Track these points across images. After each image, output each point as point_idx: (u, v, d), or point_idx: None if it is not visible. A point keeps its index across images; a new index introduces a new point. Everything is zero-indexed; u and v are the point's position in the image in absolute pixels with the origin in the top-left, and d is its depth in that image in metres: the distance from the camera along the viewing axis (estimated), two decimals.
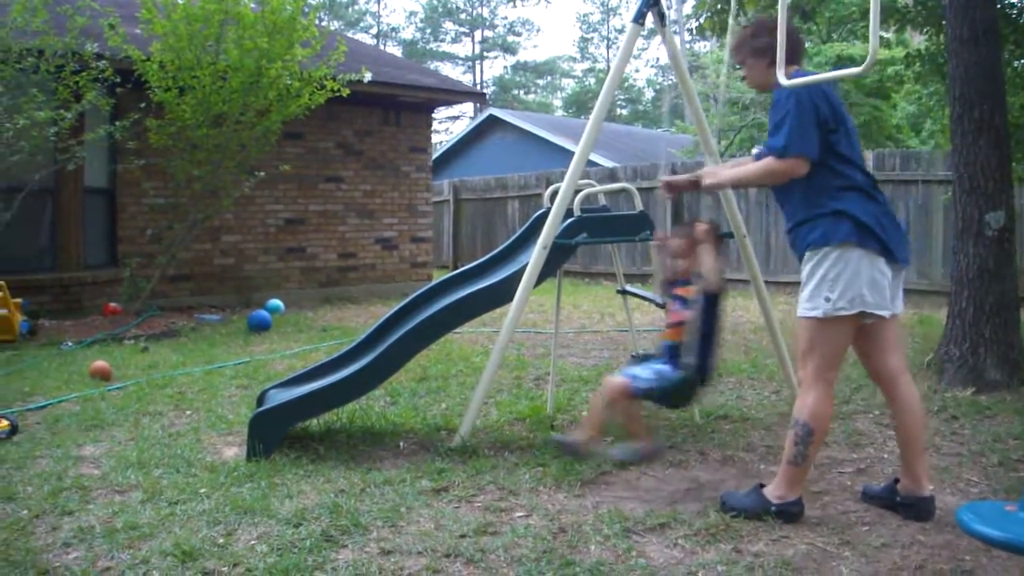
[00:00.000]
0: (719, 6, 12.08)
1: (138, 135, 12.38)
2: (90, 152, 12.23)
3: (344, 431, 6.14)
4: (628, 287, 6.81)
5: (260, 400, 6.22)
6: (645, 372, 5.24)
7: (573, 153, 5.73)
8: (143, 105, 12.05)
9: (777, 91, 4.38)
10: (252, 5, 12.08)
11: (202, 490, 4.89)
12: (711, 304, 5.05)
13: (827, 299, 4.23)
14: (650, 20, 6.02)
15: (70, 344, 10.09)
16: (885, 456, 5.52)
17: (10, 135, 10.62)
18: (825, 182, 4.32)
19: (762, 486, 4.49)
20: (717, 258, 5.07)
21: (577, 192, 6.04)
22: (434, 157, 22.04)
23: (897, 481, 4.53)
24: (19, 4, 10.80)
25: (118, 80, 11.67)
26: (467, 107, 59.93)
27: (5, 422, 6.15)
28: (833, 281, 4.22)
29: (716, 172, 4.94)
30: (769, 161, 4.42)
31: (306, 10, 12.46)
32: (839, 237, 4.23)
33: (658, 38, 47.05)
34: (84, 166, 12.24)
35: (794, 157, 4.30)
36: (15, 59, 10.73)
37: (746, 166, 4.74)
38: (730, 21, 12.62)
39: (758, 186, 4.54)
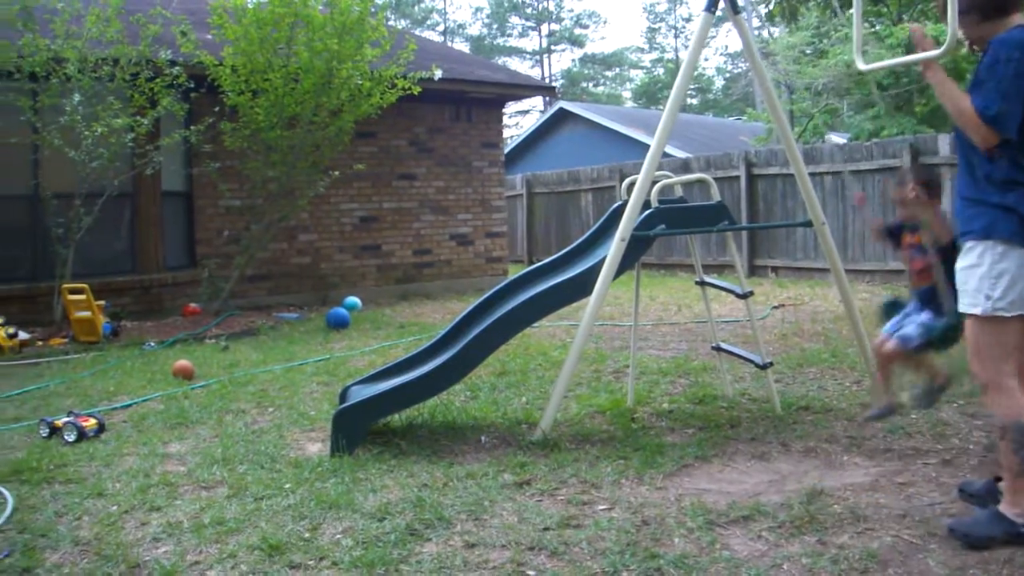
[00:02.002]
0: None
1: (213, 138, 12.58)
2: (167, 156, 12.45)
3: (426, 426, 6.19)
4: (707, 278, 6.77)
5: (342, 397, 6.29)
6: (911, 329, 5.08)
7: (645, 145, 5.70)
8: (217, 109, 12.26)
9: (998, 47, 3.92)
10: (320, 7, 12.18)
11: (287, 485, 4.95)
12: (946, 253, 4.80)
13: (987, 297, 3.95)
14: (721, 7, 5.95)
15: (152, 344, 10.26)
16: (970, 447, 5.42)
17: (89, 142, 10.85)
18: (1001, 171, 3.95)
19: (996, 503, 4.16)
20: (937, 212, 4.93)
21: (654, 183, 6.01)
22: (505, 152, 22.05)
23: (998, 479, 4.32)
24: (93, 15, 11.01)
25: (192, 85, 11.87)
26: (536, 101, 59.86)
27: (93, 420, 6.27)
28: (996, 280, 3.93)
29: (941, 72, 4.11)
30: (973, 112, 3.92)
31: (374, 10, 12.54)
32: (1003, 233, 3.91)
33: (727, 25, 46.23)
34: (161, 170, 12.44)
35: (990, 123, 3.87)
36: (91, 69, 10.97)
37: (962, 94, 4.06)
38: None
39: (945, 107, 4.05)
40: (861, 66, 4.23)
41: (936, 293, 4.95)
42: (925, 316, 5.05)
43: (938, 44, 4.00)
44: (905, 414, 5.97)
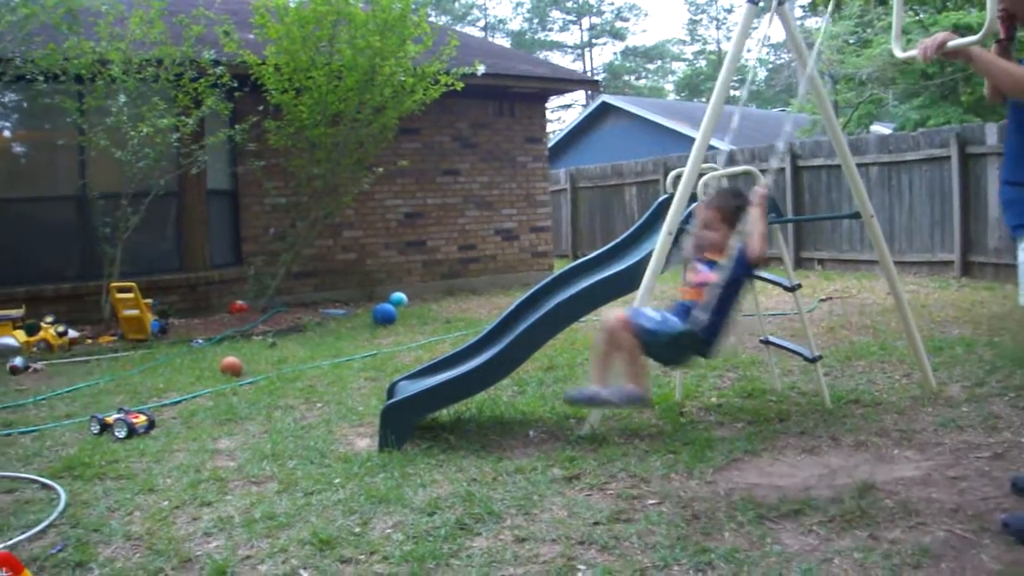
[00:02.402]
0: None
1: (257, 137, 12.66)
2: (212, 155, 12.54)
3: (474, 421, 6.20)
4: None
5: (390, 392, 6.31)
6: (651, 312, 4.88)
7: (688, 137, 5.66)
8: (261, 107, 12.34)
9: None
10: (362, 5, 12.22)
11: (336, 480, 4.98)
12: (744, 270, 4.75)
13: None
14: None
15: (200, 341, 10.35)
16: (1023, 440, 5.34)
17: (135, 143, 10.97)
18: None
19: None
20: (765, 226, 4.74)
21: (700, 176, 5.97)
22: (548, 146, 22.03)
23: None
24: (136, 17, 11.11)
25: (235, 85, 11.98)
26: (578, 95, 59.84)
27: (143, 417, 6.34)
28: None
29: (984, 53, 3.90)
30: None
31: (415, 7, 12.55)
32: None
33: (769, 15, 45.71)
34: (206, 169, 12.56)
35: None
36: (136, 70, 11.09)
37: (1007, 61, 3.90)
38: None
39: (1001, 85, 3.73)
40: (899, 53, 4.16)
41: (691, 310, 4.77)
42: (671, 315, 4.86)
43: (973, 31, 3.91)
44: (950, 408, 5.93)
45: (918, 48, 3.94)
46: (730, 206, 4.94)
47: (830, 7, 12.23)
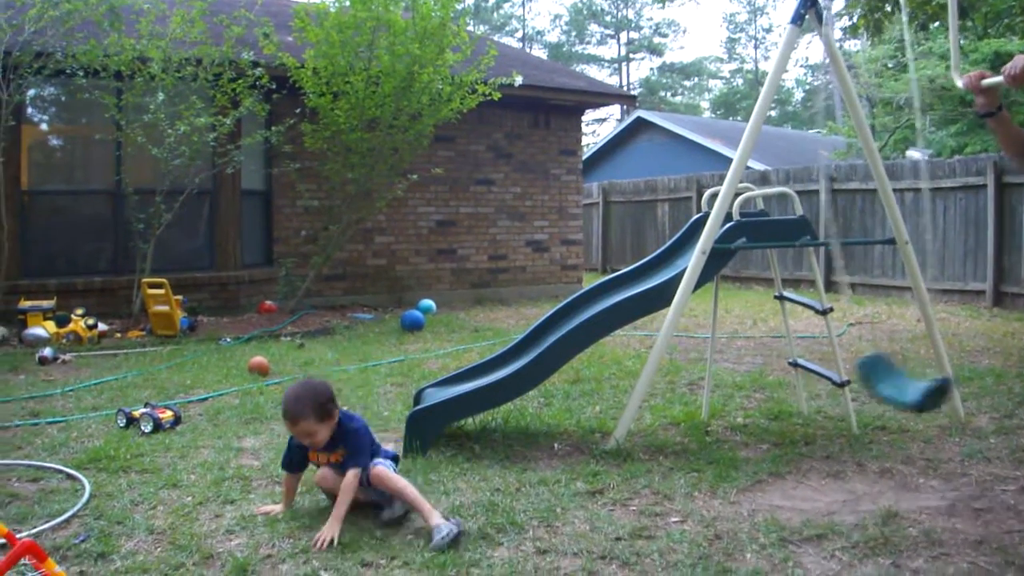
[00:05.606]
0: (873, 3, 11.87)
1: (293, 139, 12.74)
2: (247, 156, 12.63)
3: (499, 431, 6.18)
4: (786, 293, 6.69)
5: (417, 399, 6.31)
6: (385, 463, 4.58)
7: (722, 156, 5.65)
8: (298, 110, 12.42)
9: None
10: (402, 12, 12.27)
11: None
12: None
13: None
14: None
15: (228, 340, 10.39)
16: None
17: (172, 140, 11.05)
18: None
19: None
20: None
21: (736, 196, 5.95)
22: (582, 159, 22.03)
23: None
24: (178, 16, 11.21)
25: (273, 87, 12.05)
26: (613, 109, 59.70)
27: (169, 412, 6.37)
28: None
29: None
30: None
31: (455, 16, 12.59)
32: None
33: (807, 37, 45.59)
34: (241, 169, 12.62)
35: None
36: (175, 69, 11.17)
37: None
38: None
39: None
40: (958, 82, 4.12)
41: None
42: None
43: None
44: (977, 439, 5.87)
45: (1004, 71, 3.80)
46: (315, 405, 4.67)
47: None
